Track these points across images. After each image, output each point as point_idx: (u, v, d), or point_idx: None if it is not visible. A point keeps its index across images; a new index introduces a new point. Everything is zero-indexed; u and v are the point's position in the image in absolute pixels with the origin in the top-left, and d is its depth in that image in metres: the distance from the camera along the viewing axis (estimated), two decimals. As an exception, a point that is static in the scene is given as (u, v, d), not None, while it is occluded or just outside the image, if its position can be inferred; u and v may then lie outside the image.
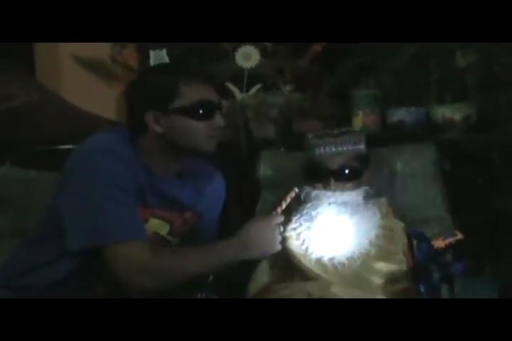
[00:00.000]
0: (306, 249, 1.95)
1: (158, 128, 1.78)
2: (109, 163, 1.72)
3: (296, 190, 1.86)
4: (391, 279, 1.91)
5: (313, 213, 1.97)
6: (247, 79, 2.77)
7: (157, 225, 1.86)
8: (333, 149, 2.00)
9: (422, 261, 1.91)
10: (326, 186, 1.99)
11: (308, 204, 1.99)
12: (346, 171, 1.99)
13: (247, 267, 1.99)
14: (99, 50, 2.94)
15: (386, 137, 2.51)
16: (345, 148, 2.00)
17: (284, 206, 1.83)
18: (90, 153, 1.74)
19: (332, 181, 1.98)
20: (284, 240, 1.90)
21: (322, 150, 2.00)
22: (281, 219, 1.81)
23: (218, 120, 1.80)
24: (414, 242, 1.95)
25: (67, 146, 2.53)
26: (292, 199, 1.85)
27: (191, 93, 1.77)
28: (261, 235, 1.77)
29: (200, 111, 1.77)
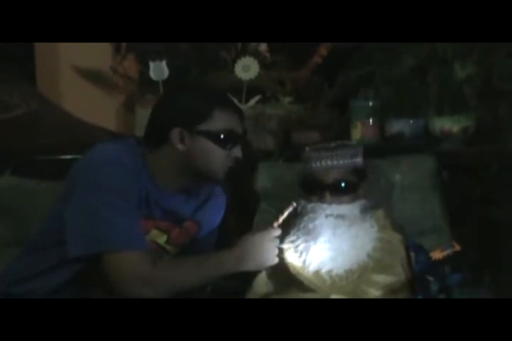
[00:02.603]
0: (304, 261, 1.95)
1: (180, 146, 1.80)
2: (115, 172, 1.73)
3: (294, 204, 1.89)
4: (389, 291, 1.91)
5: (311, 226, 1.97)
6: (246, 90, 2.78)
7: (155, 234, 1.87)
8: (329, 163, 1.99)
9: (420, 272, 1.92)
10: (322, 199, 1.99)
11: (306, 217, 1.99)
12: (342, 185, 1.99)
13: (245, 278, 2.00)
14: (100, 61, 2.96)
15: (385, 148, 2.51)
16: (341, 162, 2.00)
17: (281, 220, 1.86)
18: (96, 162, 1.76)
19: (327, 194, 1.98)
20: (282, 252, 1.92)
21: (318, 163, 2.00)
22: (278, 232, 1.84)
23: (237, 151, 1.85)
24: (412, 254, 1.96)
25: (66, 156, 2.54)
26: (290, 213, 1.87)
27: (222, 120, 1.81)
28: (258, 248, 1.80)
29: (225, 140, 1.81)
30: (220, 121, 1.80)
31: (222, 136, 1.80)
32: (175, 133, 1.79)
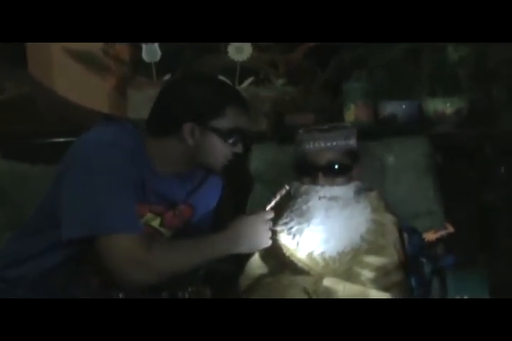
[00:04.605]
0: (297, 243, 1.96)
1: (190, 140, 1.81)
2: (110, 154, 1.73)
3: (287, 187, 1.89)
4: (382, 273, 1.91)
5: (304, 208, 1.97)
6: (239, 72, 2.77)
7: (149, 218, 1.87)
8: (322, 144, 2.00)
9: (413, 254, 1.92)
10: (315, 181, 1.99)
11: (299, 199, 1.99)
12: (335, 166, 1.99)
13: (239, 261, 2.00)
14: (91, 44, 2.93)
15: (378, 130, 2.51)
16: (334, 143, 2.00)
17: (273, 202, 1.87)
18: (92, 144, 1.75)
19: (320, 176, 1.98)
20: (275, 234, 1.92)
21: (311, 145, 2.00)
22: (270, 215, 1.85)
23: (239, 147, 1.86)
24: (406, 236, 1.96)
25: (58, 139, 2.53)
26: (282, 196, 1.88)
27: (233, 118, 1.82)
28: (251, 230, 1.82)
29: (233, 137, 1.83)
30: (231, 119, 1.82)
31: (230, 134, 1.82)
32: (187, 127, 1.80)
